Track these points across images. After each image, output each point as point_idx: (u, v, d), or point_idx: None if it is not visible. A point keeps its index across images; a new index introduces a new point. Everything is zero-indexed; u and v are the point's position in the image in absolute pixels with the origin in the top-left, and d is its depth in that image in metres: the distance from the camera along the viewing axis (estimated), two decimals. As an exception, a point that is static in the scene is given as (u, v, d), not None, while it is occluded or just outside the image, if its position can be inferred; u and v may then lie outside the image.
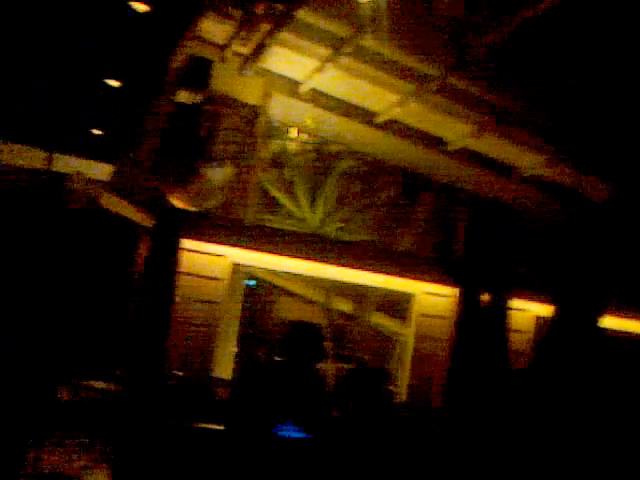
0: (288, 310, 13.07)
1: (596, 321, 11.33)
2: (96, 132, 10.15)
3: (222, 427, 8.57)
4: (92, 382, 9.28)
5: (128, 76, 10.08)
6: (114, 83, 9.96)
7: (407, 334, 11.34)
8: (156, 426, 8.63)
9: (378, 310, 13.27)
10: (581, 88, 11.28)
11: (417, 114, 11.45)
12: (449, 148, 11.97)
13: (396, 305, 12.49)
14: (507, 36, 9.30)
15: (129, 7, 10.58)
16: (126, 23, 10.73)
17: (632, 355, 10.97)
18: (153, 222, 9.79)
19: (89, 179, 10.35)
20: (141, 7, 10.72)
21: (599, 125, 11.87)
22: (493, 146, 12.06)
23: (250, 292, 11.65)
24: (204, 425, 8.72)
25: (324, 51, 10.20)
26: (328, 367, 11.13)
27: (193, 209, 10.23)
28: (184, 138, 10.17)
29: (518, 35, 9.34)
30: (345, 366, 11.00)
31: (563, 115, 11.36)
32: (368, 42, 9.94)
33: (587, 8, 9.47)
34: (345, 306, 13.31)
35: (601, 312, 11.51)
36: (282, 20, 9.46)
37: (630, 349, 11.06)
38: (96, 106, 10.06)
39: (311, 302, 13.09)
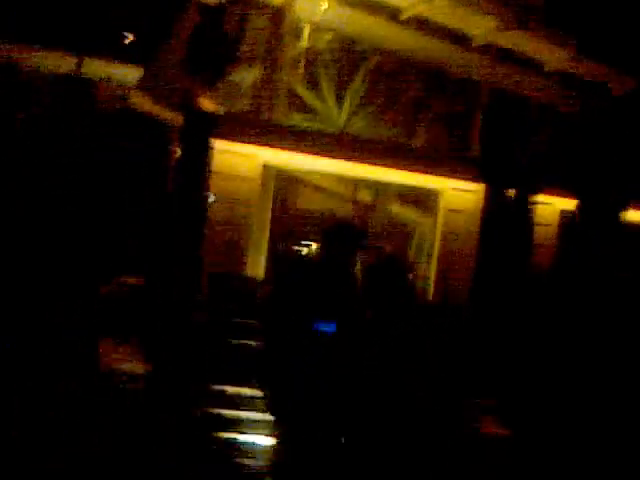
0: (314, 203, 13.29)
1: (618, 215, 11.54)
2: (127, 35, 10.13)
3: (259, 323, 8.86)
4: (129, 278, 9.54)
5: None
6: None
7: (434, 231, 11.57)
8: (193, 322, 8.94)
9: (398, 200, 13.46)
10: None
11: (442, 9, 11.41)
12: (473, 44, 11.97)
13: (416, 195, 12.68)
14: None
15: None
16: None
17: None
18: (183, 123, 9.91)
19: (119, 81, 10.44)
20: None
21: (622, 18, 11.87)
22: (517, 41, 12.06)
23: (278, 187, 11.85)
24: (242, 321, 9.02)
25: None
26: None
27: (222, 110, 10.32)
28: (212, 40, 10.18)
29: None
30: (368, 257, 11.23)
31: (587, 9, 11.37)
32: None
33: None
34: (367, 197, 13.51)
35: (624, 206, 11.72)
36: None
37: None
38: (126, 7, 10.03)
39: (336, 194, 13.29)
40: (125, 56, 10.46)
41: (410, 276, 12.26)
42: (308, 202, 13.06)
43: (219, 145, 10.19)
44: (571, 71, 12.59)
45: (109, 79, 10.62)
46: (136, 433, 6.95)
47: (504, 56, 12.25)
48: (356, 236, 8.22)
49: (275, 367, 8.02)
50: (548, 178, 11.42)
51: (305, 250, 12.30)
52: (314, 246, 12.06)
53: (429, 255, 11.71)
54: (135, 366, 8.14)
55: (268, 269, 10.65)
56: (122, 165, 10.06)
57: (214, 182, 10.14)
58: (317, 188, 12.93)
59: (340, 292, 8.61)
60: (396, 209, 13.44)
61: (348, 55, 11.81)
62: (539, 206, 11.19)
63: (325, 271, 8.57)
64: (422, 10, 11.37)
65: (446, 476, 6.84)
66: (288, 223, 12.48)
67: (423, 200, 12.34)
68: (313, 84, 11.61)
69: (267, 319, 8.61)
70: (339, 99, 11.73)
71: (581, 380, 8.66)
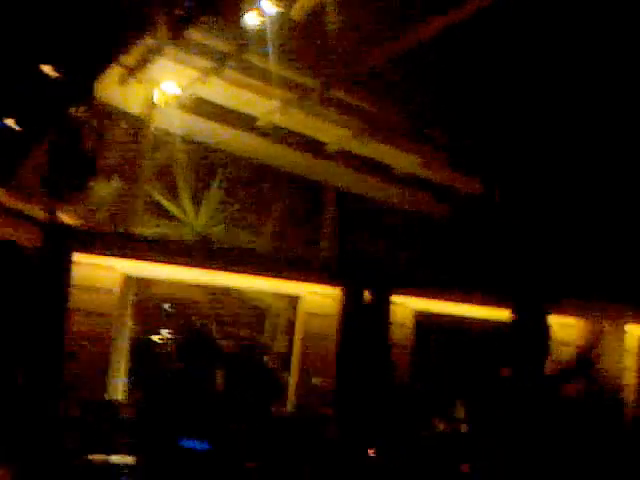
0: (171, 291, 13.15)
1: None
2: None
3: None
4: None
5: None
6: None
7: (294, 333, 11.75)
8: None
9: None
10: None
11: (297, 120, 11.85)
12: (328, 151, 12.43)
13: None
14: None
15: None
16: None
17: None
18: (43, 239, 9.82)
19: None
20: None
21: (472, 127, 12.62)
22: (369, 149, 12.60)
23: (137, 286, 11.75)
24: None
25: (208, 64, 10.44)
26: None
27: (82, 223, 10.30)
28: (71, 153, 10.18)
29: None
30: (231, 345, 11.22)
31: (438, 123, 12.07)
32: (252, 56, 10.25)
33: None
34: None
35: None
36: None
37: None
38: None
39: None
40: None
41: (267, 360, 12.32)
42: (166, 290, 12.89)
43: (79, 258, 10.11)
44: (422, 175, 13.20)
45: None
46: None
47: (358, 161, 12.75)
48: (211, 349, 8.27)
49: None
50: (405, 278, 11.78)
51: (160, 338, 12.11)
52: (167, 334, 11.95)
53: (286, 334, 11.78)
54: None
55: (131, 388, 10.49)
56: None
57: (74, 296, 10.02)
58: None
59: (206, 407, 8.64)
60: (250, 293, 13.45)
61: (206, 162, 12.01)
62: (395, 307, 11.54)
63: (186, 386, 8.61)
64: (278, 120, 11.76)
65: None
66: (149, 319, 12.33)
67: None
68: (172, 192, 11.71)
69: (137, 438, 8.55)
70: (198, 206, 11.86)
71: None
